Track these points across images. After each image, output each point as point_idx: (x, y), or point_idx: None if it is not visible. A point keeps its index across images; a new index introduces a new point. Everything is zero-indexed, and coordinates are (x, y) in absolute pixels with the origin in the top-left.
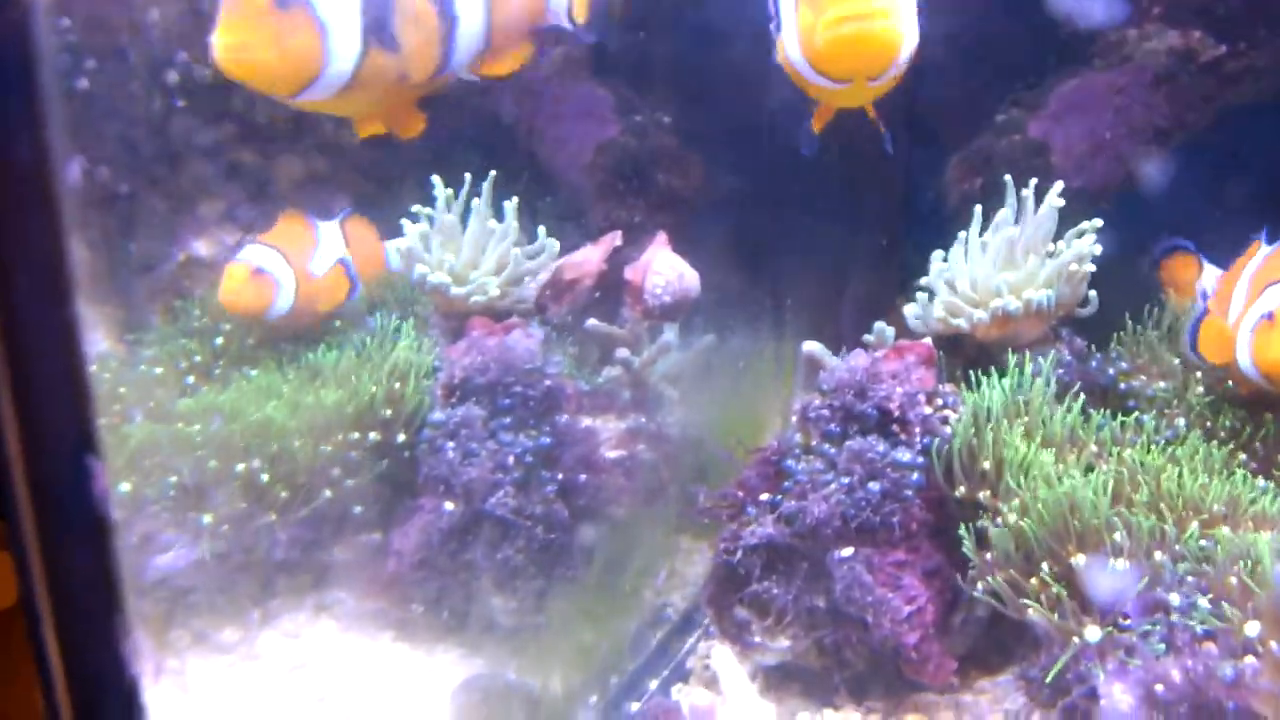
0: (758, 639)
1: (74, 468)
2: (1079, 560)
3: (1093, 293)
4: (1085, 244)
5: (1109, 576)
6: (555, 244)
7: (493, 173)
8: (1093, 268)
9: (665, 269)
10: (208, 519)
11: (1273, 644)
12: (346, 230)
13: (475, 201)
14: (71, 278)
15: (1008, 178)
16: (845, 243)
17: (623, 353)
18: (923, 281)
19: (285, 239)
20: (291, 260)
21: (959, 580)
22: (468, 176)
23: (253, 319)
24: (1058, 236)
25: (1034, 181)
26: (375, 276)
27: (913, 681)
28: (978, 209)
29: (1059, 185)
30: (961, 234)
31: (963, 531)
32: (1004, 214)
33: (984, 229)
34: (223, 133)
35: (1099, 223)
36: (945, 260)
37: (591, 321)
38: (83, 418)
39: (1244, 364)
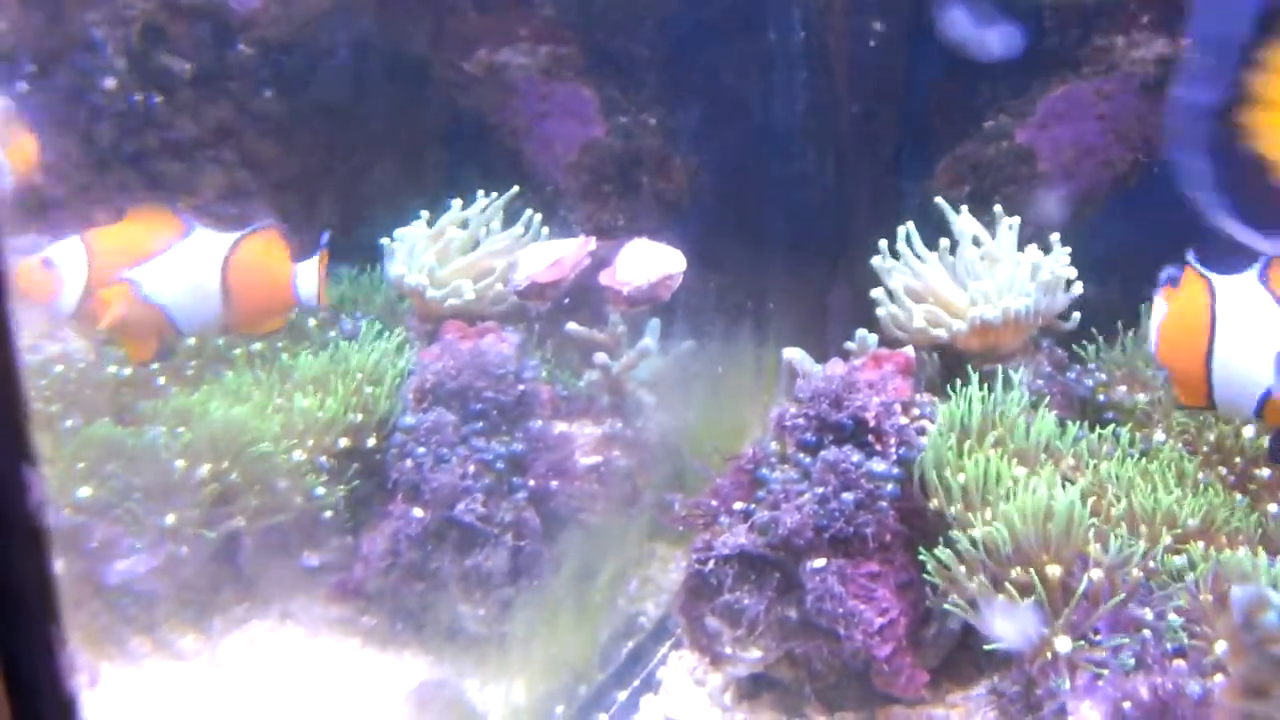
0: (729, 650)
1: (10, 479)
2: (980, 610)
3: (1076, 313)
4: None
5: (1012, 618)
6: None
7: (515, 189)
8: (1072, 272)
9: (636, 255)
10: (170, 522)
11: (1236, 665)
12: (239, 249)
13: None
14: (4, 285)
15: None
16: (832, 247)
17: (601, 358)
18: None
19: (116, 238)
20: (94, 262)
21: (932, 592)
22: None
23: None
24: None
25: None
26: (272, 307)
27: (884, 694)
28: (956, 220)
29: (1015, 219)
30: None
31: (923, 554)
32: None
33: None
34: (146, 142)
35: (1056, 238)
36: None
37: (571, 325)
38: (18, 429)
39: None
